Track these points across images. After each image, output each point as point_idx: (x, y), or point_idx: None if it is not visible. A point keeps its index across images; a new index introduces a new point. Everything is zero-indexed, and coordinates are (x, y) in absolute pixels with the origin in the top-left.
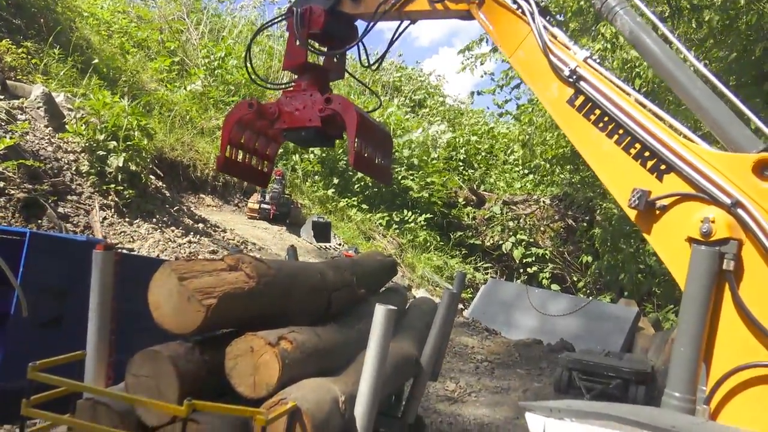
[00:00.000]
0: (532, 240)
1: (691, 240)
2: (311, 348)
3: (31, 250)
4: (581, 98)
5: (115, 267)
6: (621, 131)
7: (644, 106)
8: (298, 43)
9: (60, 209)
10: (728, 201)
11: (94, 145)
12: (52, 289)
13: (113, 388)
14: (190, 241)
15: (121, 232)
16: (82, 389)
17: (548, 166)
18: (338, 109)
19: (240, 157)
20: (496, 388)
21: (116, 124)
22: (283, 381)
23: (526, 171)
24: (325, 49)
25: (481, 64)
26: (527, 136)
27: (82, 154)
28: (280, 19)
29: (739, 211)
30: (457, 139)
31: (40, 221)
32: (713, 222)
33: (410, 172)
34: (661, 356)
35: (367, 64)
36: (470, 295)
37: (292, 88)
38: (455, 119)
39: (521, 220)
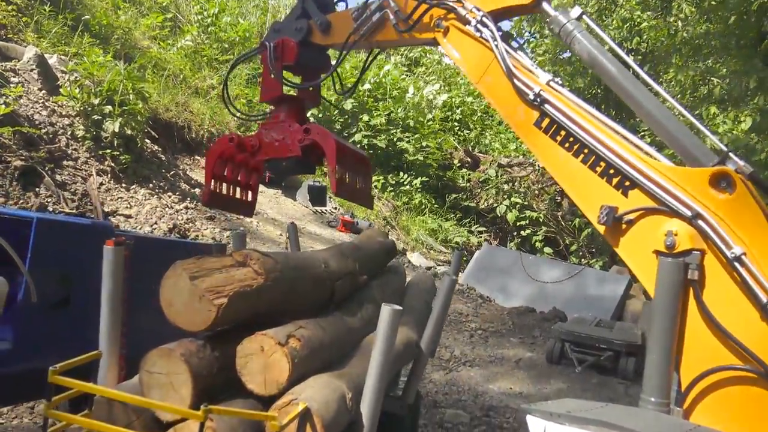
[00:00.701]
0: (526, 203)
1: (657, 252)
2: (318, 343)
3: (37, 236)
4: (547, 120)
5: (126, 262)
6: (586, 150)
7: (607, 125)
8: (273, 76)
9: (57, 176)
10: (689, 213)
11: (89, 109)
12: (58, 273)
13: (128, 383)
14: (186, 207)
15: (117, 198)
16: (101, 393)
17: None
18: (317, 139)
19: (224, 189)
20: (490, 357)
21: (111, 88)
22: (293, 379)
23: None
24: (300, 80)
25: None
26: None
27: (77, 119)
28: (253, 53)
29: (700, 222)
30: (453, 100)
31: (37, 189)
32: (676, 235)
33: (405, 134)
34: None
35: (341, 92)
36: (465, 258)
37: (270, 120)
38: (451, 78)
39: (516, 183)
